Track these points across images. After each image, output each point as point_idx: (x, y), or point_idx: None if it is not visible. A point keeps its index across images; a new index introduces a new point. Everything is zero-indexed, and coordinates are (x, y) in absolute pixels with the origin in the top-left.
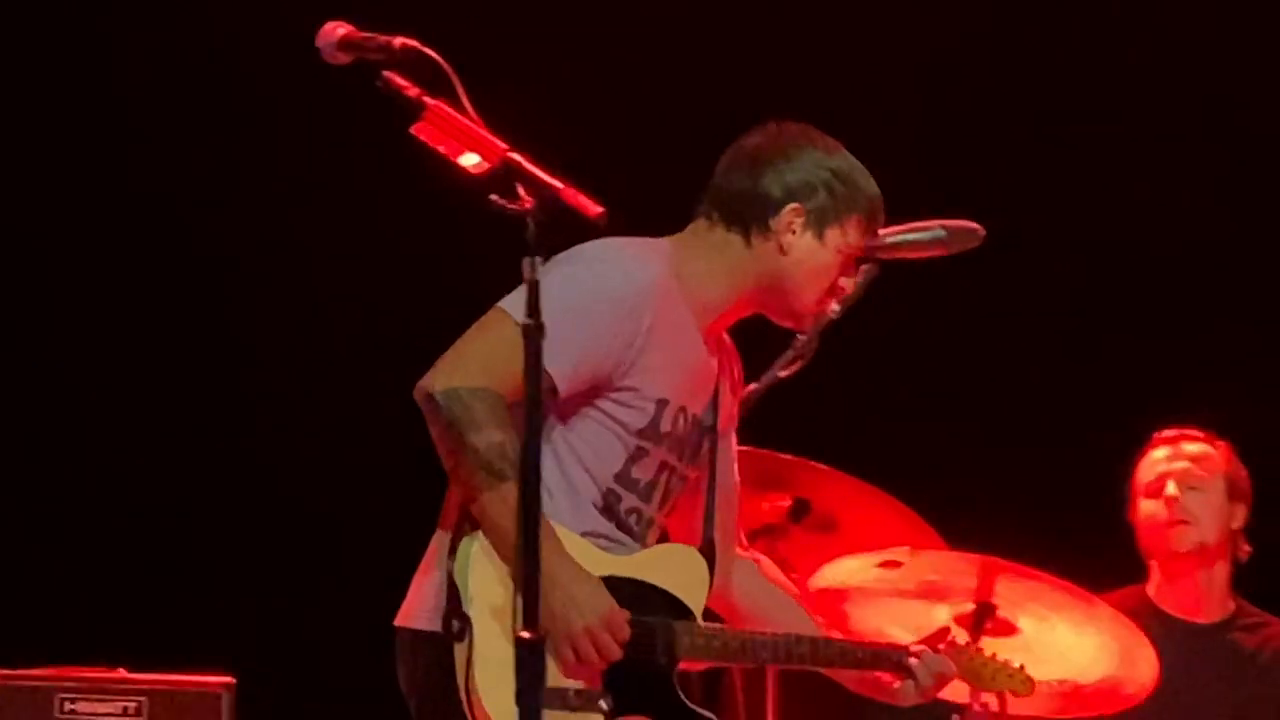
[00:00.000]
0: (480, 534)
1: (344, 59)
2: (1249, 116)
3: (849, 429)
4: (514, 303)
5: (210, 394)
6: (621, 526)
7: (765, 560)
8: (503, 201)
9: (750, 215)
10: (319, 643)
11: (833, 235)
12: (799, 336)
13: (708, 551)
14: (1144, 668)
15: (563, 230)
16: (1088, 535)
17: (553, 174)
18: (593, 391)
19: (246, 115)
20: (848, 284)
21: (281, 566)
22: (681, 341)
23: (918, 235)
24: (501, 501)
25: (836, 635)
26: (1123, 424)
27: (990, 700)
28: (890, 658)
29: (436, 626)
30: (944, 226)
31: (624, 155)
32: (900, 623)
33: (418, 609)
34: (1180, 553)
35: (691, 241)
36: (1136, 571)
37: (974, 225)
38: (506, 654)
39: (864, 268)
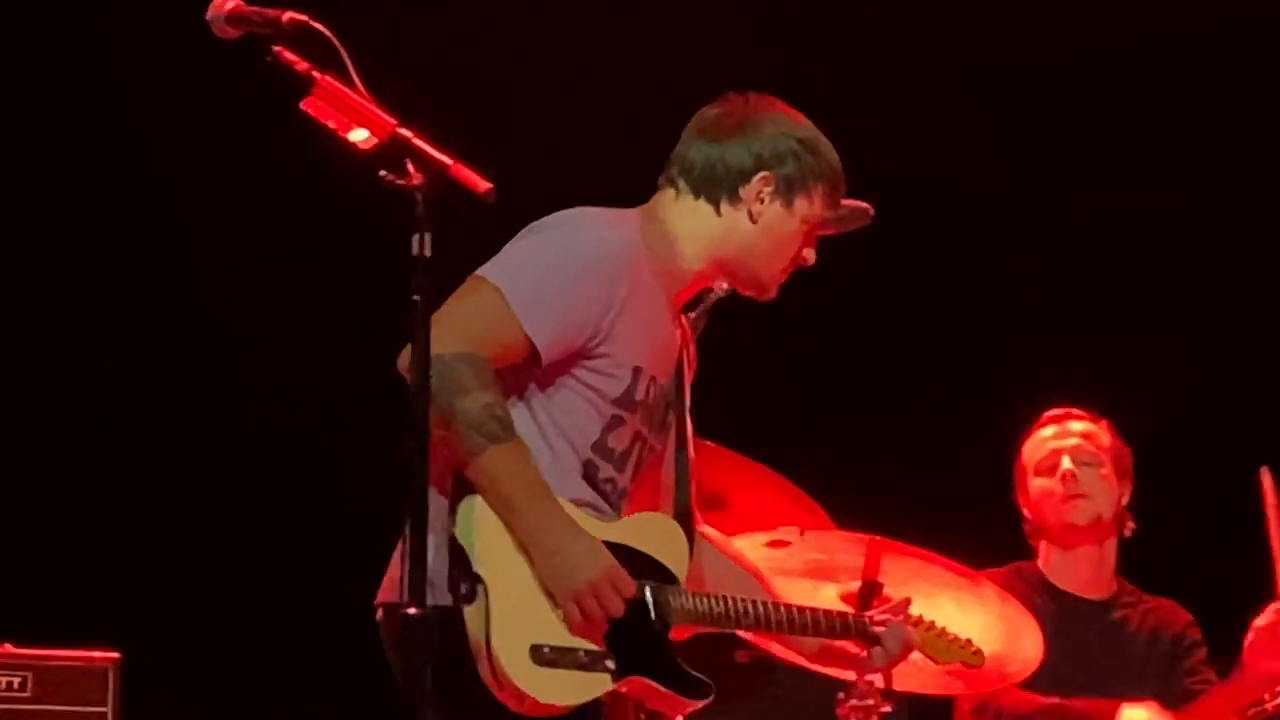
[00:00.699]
0: (475, 497)
1: (233, 33)
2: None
3: (738, 408)
4: (490, 269)
5: (90, 367)
6: (601, 495)
7: (717, 534)
8: (391, 177)
9: (720, 184)
10: (204, 617)
11: (800, 204)
12: (689, 314)
13: (685, 520)
14: (1029, 646)
15: (452, 206)
16: (974, 514)
17: (442, 150)
18: (570, 359)
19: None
20: (810, 254)
21: (167, 540)
22: (653, 310)
23: None
24: (497, 463)
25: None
26: (1008, 403)
27: (875, 678)
28: (857, 627)
29: (443, 600)
30: None
31: (517, 132)
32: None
33: (391, 579)
34: (1078, 526)
35: (659, 212)
36: (1023, 552)
37: (864, 205)
38: (520, 613)
39: None
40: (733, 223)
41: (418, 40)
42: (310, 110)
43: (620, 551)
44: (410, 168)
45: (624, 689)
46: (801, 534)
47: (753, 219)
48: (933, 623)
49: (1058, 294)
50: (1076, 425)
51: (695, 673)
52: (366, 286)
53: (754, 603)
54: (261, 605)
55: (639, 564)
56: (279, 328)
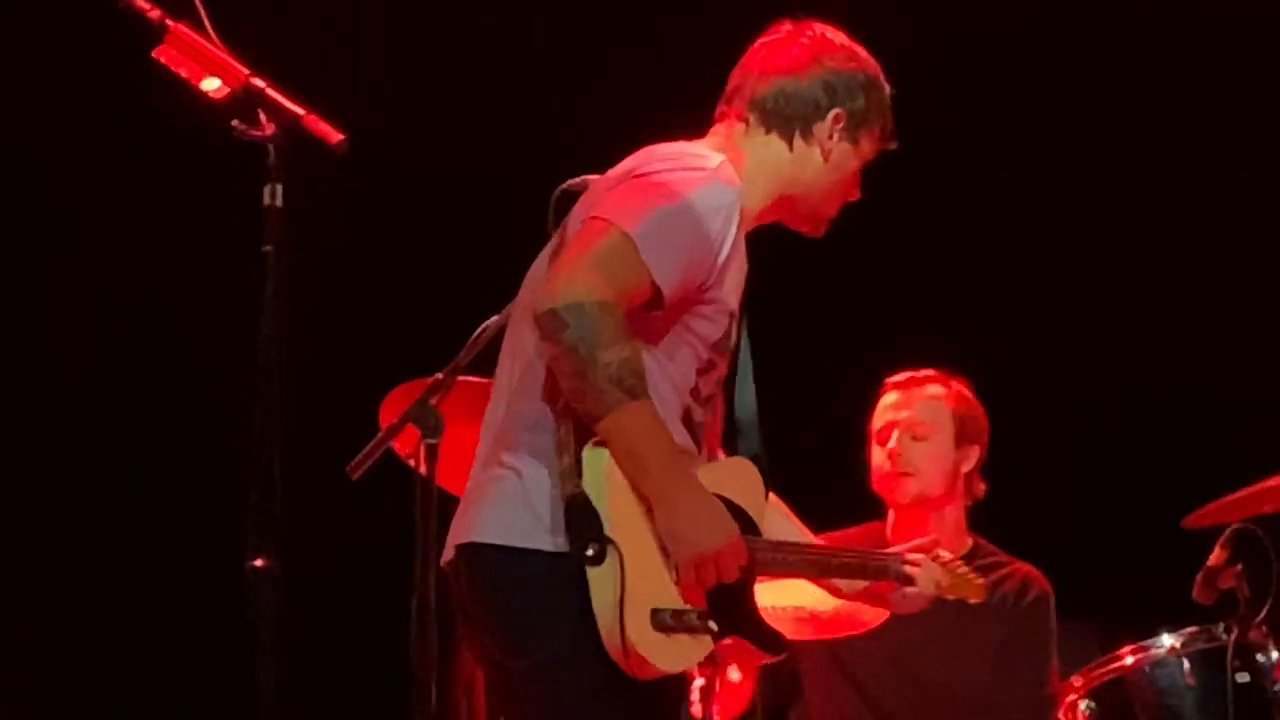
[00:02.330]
0: (602, 450)
1: None
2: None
3: None
4: (616, 214)
5: None
6: (693, 438)
7: None
8: (244, 127)
9: (794, 119)
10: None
11: (864, 142)
12: None
13: (759, 463)
14: None
15: (305, 157)
16: (827, 474)
17: (295, 100)
18: (680, 305)
19: None
20: (857, 192)
21: None
22: (742, 252)
23: None
24: (635, 419)
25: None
26: (865, 363)
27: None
28: (892, 568)
29: (543, 544)
30: None
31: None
32: None
33: (492, 522)
34: (902, 504)
35: (733, 146)
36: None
37: None
38: (643, 577)
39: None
40: (804, 159)
41: None
42: (162, 59)
43: None
44: (263, 118)
45: (718, 648)
46: None
47: (824, 156)
48: (958, 561)
49: (930, 250)
50: (919, 392)
51: (771, 626)
52: (219, 237)
53: (812, 548)
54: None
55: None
56: (128, 282)
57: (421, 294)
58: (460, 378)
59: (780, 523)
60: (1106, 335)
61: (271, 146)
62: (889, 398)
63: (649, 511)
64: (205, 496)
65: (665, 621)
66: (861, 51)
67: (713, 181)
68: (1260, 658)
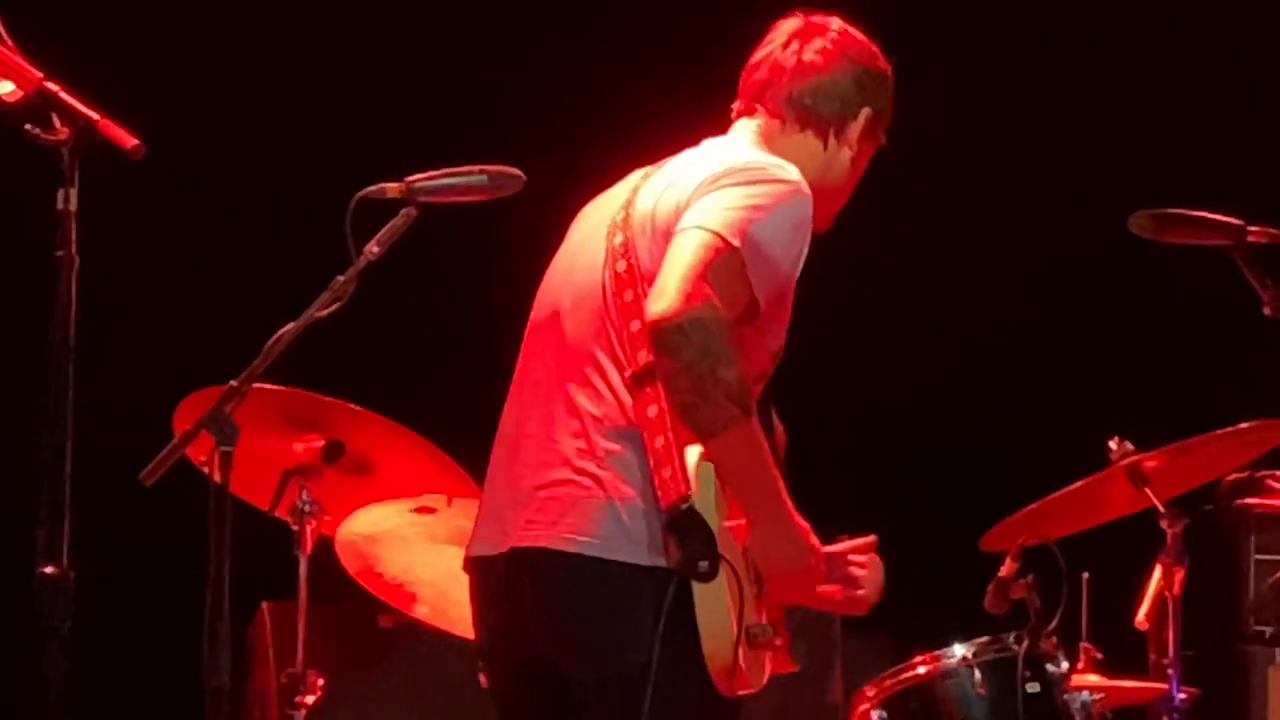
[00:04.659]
0: (710, 465)
1: None
2: None
3: (386, 371)
4: (720, 225)
5: None
6: None
7: None
8: (37, 131)
9: (832, 118)
10: None
11: (877, 138)
12: (337, 277)
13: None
14: None
15: (101, 161)
16: None
17: (90, 104)
18: (763, 317)
19: None
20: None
21: None
22: None
23: (459, 179)
24: (748, 438)
25: None
26: None
27: None
28: (839, 570)
29: (632, 557)
30: (485, 171)
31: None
32: (432, 567)
33: (608, 535)
34: None
35: (769, 145)
36: None
37: (515, 170)
38: (739, 595)
39: (405, 210)
40: (834, 157)
41: None
42: None
43: None
44: (56, 122)
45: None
46: (449, 502)
47: (853, 154)
48: None
49: None
50: None
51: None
52: (10, 241)
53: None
54: None
55: None
56: None
57: (217, 300)
58: (256, 385)
59: None
60: (902, 343)
61: (65, 151)
62: None
63: (734, 528)
64: None
65: (756, 637)
66: (874, 46)
67: (797, 195)
68: (1050, 668)
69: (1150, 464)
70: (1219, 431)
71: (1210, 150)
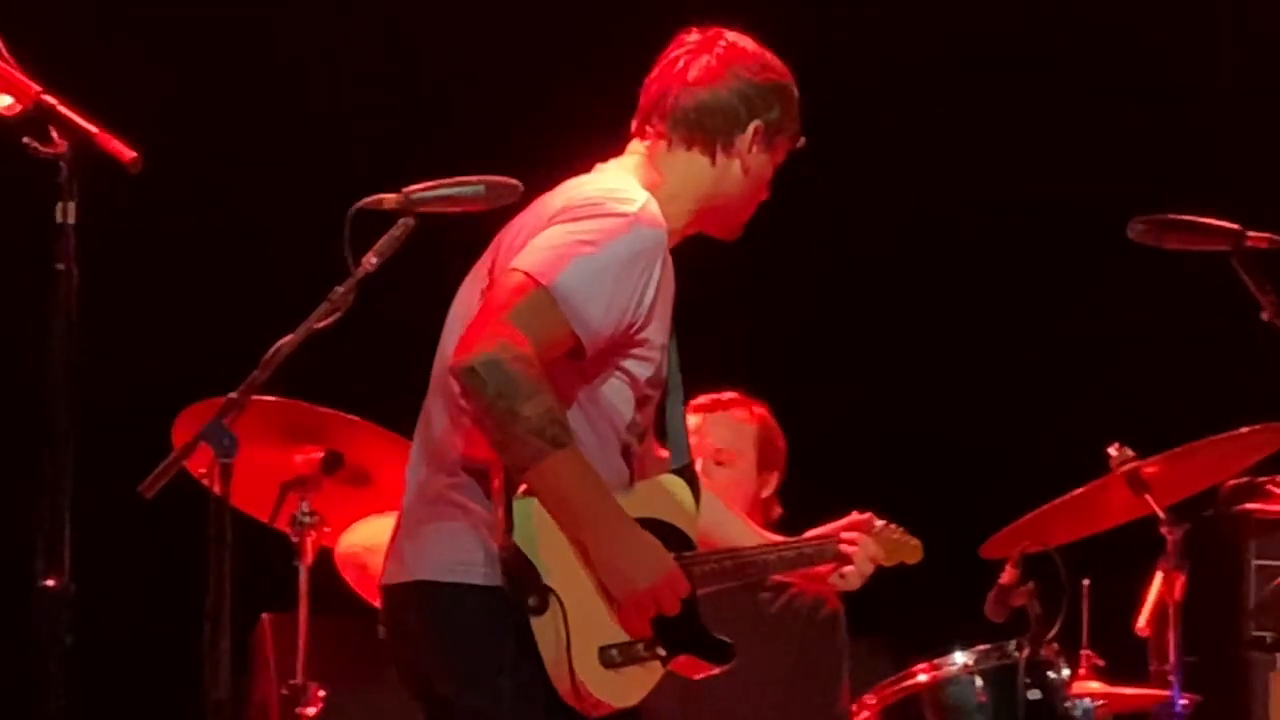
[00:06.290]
0: (530, 500)
1: None
2: None
3: (384, 382)
4: (533, 265)
5: None
6: (630, 469)
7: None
8: (36, 144)
9: (716, 133)
10: None
11: (777, 148)
12: (336, 288)
13: (687, 473)
14: None
15: (99, 175)
16: None
17: (88, 118)
18: (611, 349)
19: None
20: (766, 194)
21: None
22: (670, 284)
23: (458, 190)
24: (560, 468)
25: (778, 539)
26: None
27: None
28: (829, 550)
29: (475, 579)
30: (482, 182)
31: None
32: None
33: (441, 560)
34: None
35: (654, 167)
36: None
37: (513, 181)
38: (586, 619)
39: (403, 221)
40: (724, 172)
41: (65, 6)
42: None
43: (647, 526)
44: (55, 135)
45: (671, 668)
46: None
47: (744, 167)
48: (890, 526)
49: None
50: (722, 417)
51: (719, 636)
52: (9, 255)
53: (749, 550)
54: None
55: (661, 535)
56: None
57: (216, 312)
58: (255, 397)
59: (733, 525)
60: (902, 351)
61: (64, 164)
62: (692, 420)
63: (585, 554)
64: None
65: (613, 658)
66: (772, 57)
67: (634, 228)
68: (1051, 675)
69: (1150, 470)
70: (1218, 437)
71: (1210, 152)
